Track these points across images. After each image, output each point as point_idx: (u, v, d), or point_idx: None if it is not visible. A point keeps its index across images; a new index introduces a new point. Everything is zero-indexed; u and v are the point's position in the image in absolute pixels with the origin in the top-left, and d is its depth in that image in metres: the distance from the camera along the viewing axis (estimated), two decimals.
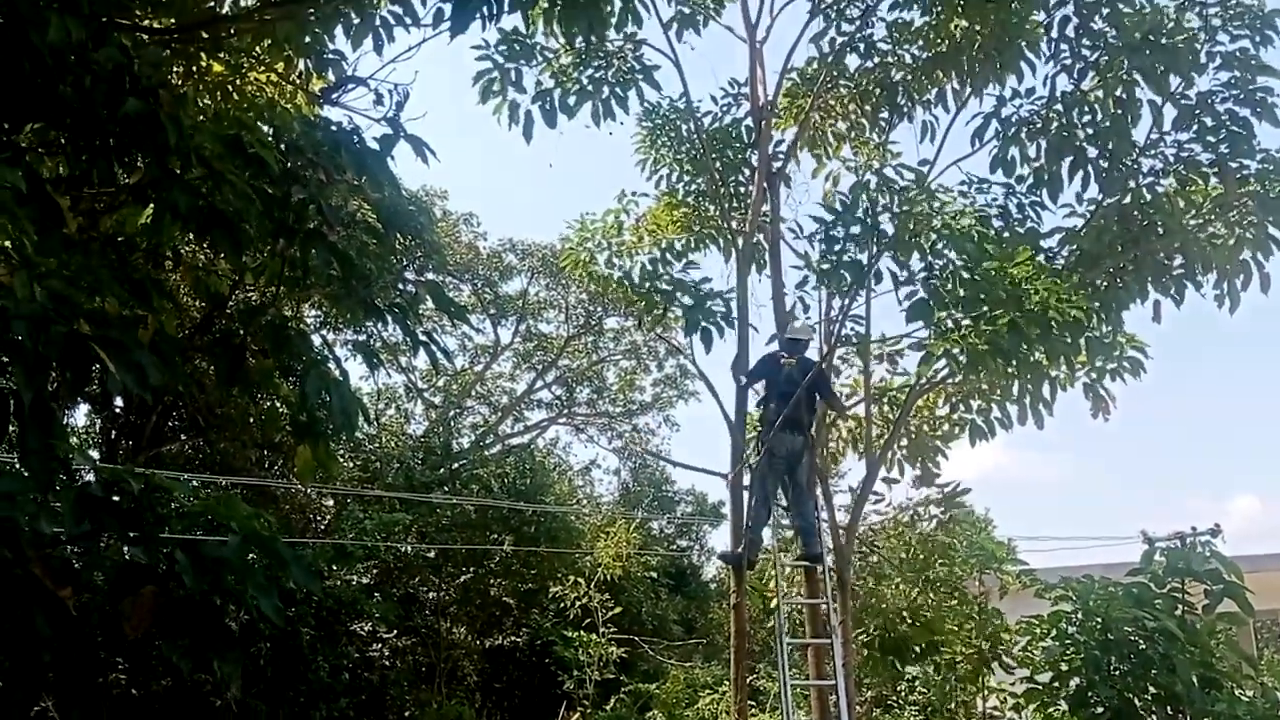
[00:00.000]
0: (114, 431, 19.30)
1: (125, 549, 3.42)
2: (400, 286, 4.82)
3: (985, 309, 8.22)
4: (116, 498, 3.44)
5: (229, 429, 18.67)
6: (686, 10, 10.41)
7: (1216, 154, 9.34)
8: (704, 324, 9.47)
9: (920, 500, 11.84)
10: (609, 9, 5.84)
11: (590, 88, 10.10)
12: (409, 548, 20.22)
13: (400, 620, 19.75)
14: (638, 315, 11.03)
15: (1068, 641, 8.29)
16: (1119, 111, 9.38)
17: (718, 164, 10.91)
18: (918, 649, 11.03)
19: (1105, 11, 9.31)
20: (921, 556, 11.61)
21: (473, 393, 29.00)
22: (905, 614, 11.21)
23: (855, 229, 8.78)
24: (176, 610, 3.32)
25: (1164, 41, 9.07)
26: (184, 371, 4.36)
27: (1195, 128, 9.35)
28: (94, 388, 14.07)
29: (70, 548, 3.48)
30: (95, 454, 18.33)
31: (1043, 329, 8.17)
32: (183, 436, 19.79)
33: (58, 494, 3.33)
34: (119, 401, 18.04)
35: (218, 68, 5.76)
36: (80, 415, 19.63)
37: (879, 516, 12.13)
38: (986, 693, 11.49)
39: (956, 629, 11.25)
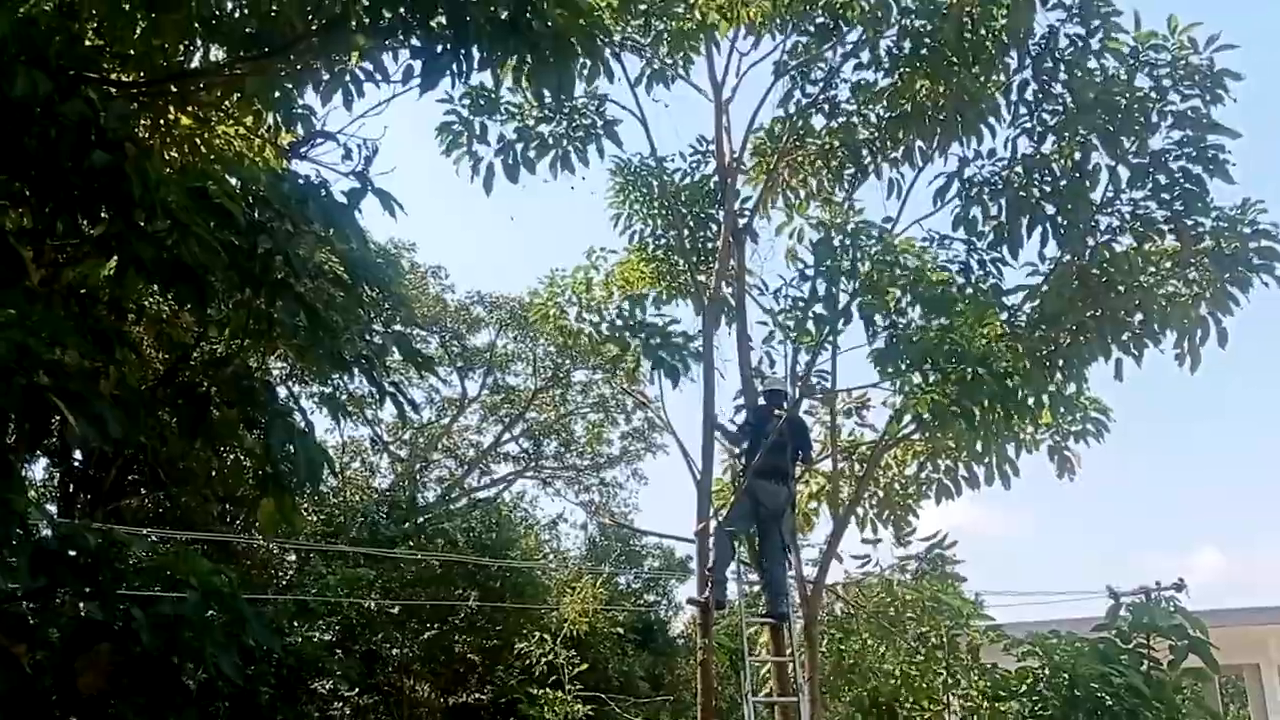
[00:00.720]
0: (72, 485, 18.97)
1: (81, 605, 3.36)
2: (367, 338, 4.81)
3: (951, 367, 8.35)
4: (73, 553, 3.39)
5: (191, 483, 18.40)
6: (656, 66, 10.55)
7: (1172, 211, 9.52)
8: (669, 361, 9.54)
9: (905, 557, 11.82)
10: (580, 66, 5.92)
11: (551, 141, 10.19)
12: (372, 603, 19.92)
13: (362, 678, 19.39)
14: (609, 365, 11.09)
15: (1035, 698, 8.28)
16: (1076, 174, 9.57)
17: (689, 219, 11.02)
18: (907, 708, 10.96)
19: (1063, 77, 9.52)
20: (896, 612, 11.57)
21: (439, 446, 28.80)
22: (897, 671, 11.16)
23: (821, 285, 8.91)
24: (133, 668, 3.26)
25: (1120, 102, 9.27)
26: (146, 424, 4.31)
27: (1150, 186, 9.53)
28: (53, 440, 13.86)
29: (26, 603, 3.41)
30: (53, 508, 17.99)
31: (1003, 390, 8.31)
32: (143, 490, 19.48)
33: (14, 548, 3.27)
34: (78, 455, 17.77)
35: (186, 121, 5.77)
36: (38, 469, 19.30)
37: (864, 575, 12.09)
38: None
39: (925, 686, 11.19)
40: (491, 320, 28.03)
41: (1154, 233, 9.69)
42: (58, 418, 3.18)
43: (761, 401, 9.88)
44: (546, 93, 5.80)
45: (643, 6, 10.20)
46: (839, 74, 10.49)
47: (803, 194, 11.52)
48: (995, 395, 8.61)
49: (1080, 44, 9.49)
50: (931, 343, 8.60)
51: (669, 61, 10.57)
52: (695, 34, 10.34)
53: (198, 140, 5.88)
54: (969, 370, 8.44)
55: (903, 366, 9.00)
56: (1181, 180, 9.41)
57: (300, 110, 5.91)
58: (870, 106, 10.51)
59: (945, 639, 11.35)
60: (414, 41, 5.07)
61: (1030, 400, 8.90)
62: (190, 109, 5.72)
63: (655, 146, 10.75)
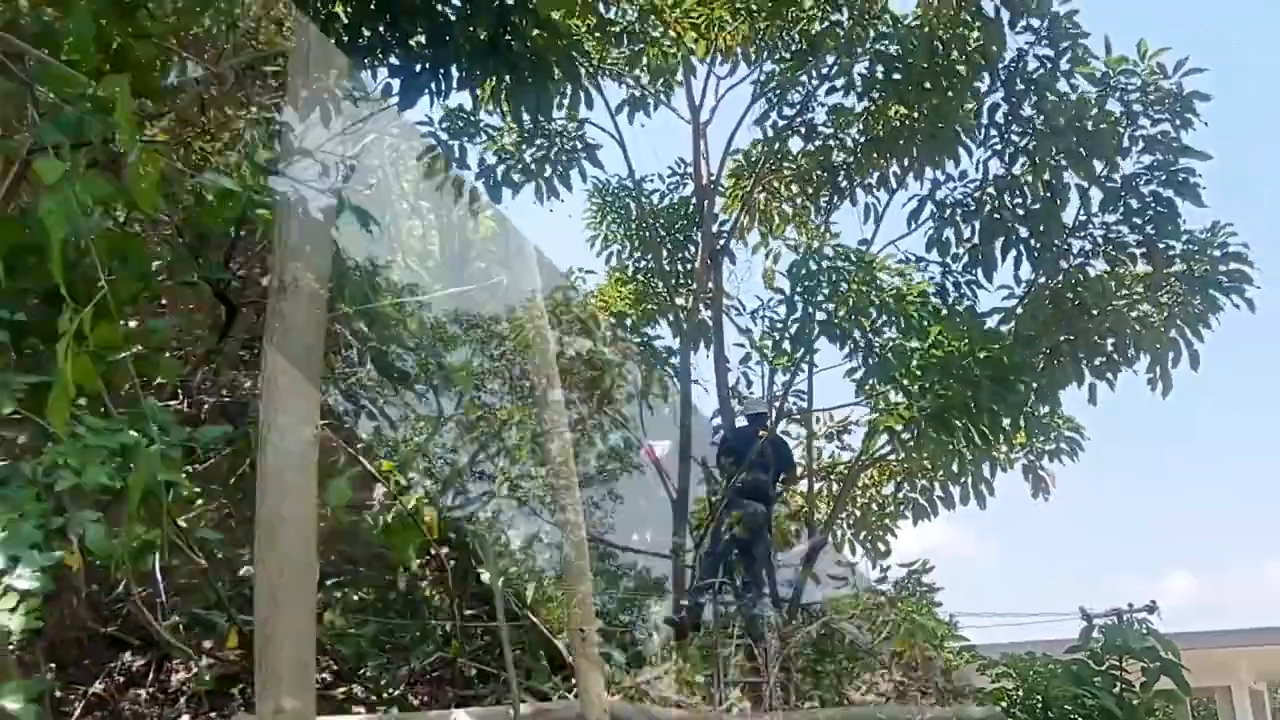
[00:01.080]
0: None
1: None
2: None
3: (931, 381, 8.39)
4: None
5: None
6: (637, 94, 10.56)
7: (1143, 235, 9.61)
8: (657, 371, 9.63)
9: (882, 581, 11.81)
10: (562, 91, 5.95)
11: (534, 167, 10.16)
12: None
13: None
14: (588, 387, 11.11)
15: None
16: (1048, 195, 9.64)
17: (667, 241, 11.05)
18: None
19: (1034, 99, 9.61)
20: (871, 633, 11.56)
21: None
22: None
23: (798, 306, 8.94)
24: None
25: (1089, 127, 9.36)
26: None
27: (1121, 210, 9.62)
28: None
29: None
30: None
31: (992, 391, 8.37)
32: None
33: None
34: None
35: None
36: None
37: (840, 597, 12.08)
38: None
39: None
40: (468, 339, 27.94)
41: (1126, 256, 9.79)
42: None
43: (743, 422, 9.88)
44: (525, 115, 5.81)
45: (619, 28, 10.22)
46: (815, 97, 10.54)
47: (778, 218, 11.57)
48: (978, 406, 8.61)
49: (1049, 66, 9.59)
50: (913, 357, 8.63)
51: (650, 90, 10.58)
52: (674, 59, 10.36)
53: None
54: (952, 379, 8.46)
55: (882, 384, 9.02)
56: (1152, 204, 9.50)
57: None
58: (846, 130, 10.56)
59: (920, 660, 11.35)
60: (393, 60, 5.09)
61: (1015, 399, 8.90)
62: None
63: (633, 169, 10.80)
